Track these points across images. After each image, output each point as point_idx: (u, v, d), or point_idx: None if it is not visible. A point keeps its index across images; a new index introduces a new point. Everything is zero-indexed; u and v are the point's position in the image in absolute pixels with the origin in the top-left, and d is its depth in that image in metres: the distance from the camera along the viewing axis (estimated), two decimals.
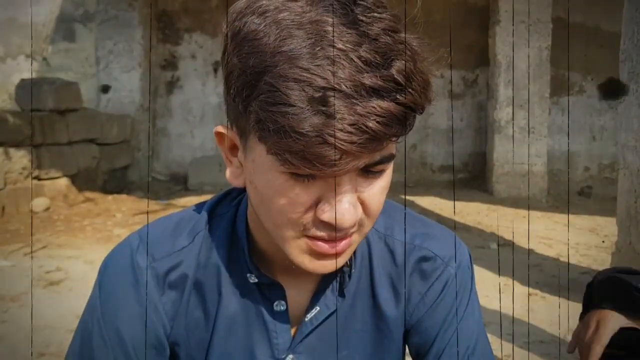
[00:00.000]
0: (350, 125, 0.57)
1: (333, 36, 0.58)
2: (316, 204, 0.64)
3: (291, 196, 0.64)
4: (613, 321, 1.06)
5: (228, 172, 0.72)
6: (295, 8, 0.60)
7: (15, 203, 4.90)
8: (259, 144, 0.63)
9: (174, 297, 0.79)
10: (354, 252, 0.78)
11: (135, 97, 6.73)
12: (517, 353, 2.52)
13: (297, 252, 0.68)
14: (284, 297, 0.79)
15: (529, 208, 5.83)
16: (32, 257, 3.92)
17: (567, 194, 6.68)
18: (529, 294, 3.26)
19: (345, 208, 0.63)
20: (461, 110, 7.21)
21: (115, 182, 6.31)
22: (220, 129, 0.71)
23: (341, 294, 0.81)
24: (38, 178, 5.24)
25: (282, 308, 0.79)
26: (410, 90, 0.59)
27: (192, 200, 5.39)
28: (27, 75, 6.68)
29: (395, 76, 0.58)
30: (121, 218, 5.04)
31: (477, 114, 7.21)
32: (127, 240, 0.80)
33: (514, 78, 6.38)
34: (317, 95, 0.57)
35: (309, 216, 0.65)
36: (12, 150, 4.88)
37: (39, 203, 5.08)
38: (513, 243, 4.45)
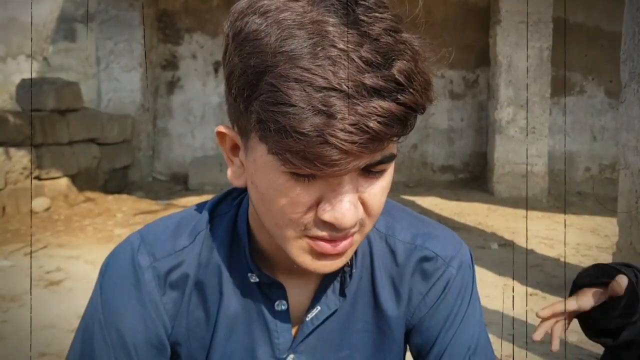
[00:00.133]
0: (351, 125, 0.57)
1: (334, 36, 0.58)
2: (317, 203, 0.64)
3: (292, 196, 0.64)
4: (588, 295, 1.07)
5: (229, 172, 0.72)
6: (296, 8, 0.60)
7: (15, 203, 4.90)
8: (260, 144, 0.63)
9: (175, 297, 0.79)
10: (355, 252, 0.78)
11: (136, 97, 6.73)
12: (517, 353, 2.52)
13: (299, 252, 0.68)
14: (285, 297, 0.79)
15: (527, 208, 5.82)
16: (32, 257, 3.91)
17: (567, 194, 6.68)
18: (530, 294, 3.26)
19: (346, 208, 0.63)
20: (462, 111, 7.21)
21: (116, 182, 6.31)
22: (222, 128, 0.71)
23: (342, 293, 0.81)
24: (38, 178, 5.24)
25: (283, 308, 0.79)
26: (411, 90, 0.59)
27: (192, 200, 5.39)
28: (27, 75, 6.68)
29: (397, 76, 0.58)
30: (122, 218, 5.04)
31: (477, 114, 7.20)
32: (128, 240, 0.80)
33: (515, 78, 6.38)
34: (318, 95, 0.57)
35: (310, 216, 0.65)
36: (12, 150, 4.88)
37: (40, 203, 5.08)
38: (514, 243, 4.44)
